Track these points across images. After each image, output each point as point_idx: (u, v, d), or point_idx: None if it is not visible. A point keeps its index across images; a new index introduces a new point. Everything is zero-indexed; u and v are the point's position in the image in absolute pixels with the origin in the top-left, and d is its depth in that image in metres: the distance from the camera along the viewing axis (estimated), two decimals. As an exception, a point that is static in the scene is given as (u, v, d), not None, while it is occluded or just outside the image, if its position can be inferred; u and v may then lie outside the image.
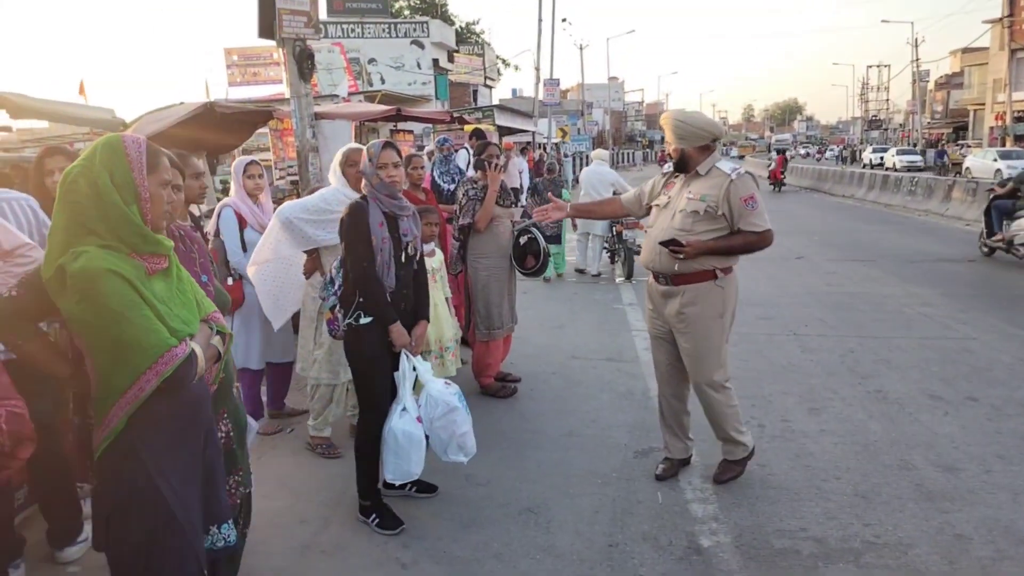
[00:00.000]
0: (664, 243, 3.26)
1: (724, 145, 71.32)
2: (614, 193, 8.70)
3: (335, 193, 3.76)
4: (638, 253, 9.03)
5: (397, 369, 3.12)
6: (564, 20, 47.33)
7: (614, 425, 4.28)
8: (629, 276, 8.90)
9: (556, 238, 9.13)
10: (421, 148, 12.32)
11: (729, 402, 3.47)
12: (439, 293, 4.29)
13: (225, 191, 7.44)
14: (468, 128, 11.58)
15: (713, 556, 2.89)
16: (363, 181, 3.17)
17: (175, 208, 2.18)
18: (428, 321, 3.38)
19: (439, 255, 4.47)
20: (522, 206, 9.46)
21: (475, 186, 4.74)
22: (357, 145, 3.90)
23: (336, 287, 3.18)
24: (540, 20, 27.35)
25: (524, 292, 8.25)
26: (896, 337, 6.06)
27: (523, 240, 4.87)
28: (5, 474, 2.03)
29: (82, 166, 1.81)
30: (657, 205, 3.52)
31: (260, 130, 9.21)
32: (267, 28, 8.13)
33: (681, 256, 3.23)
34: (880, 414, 4.35)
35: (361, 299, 3.05)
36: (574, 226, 9.43)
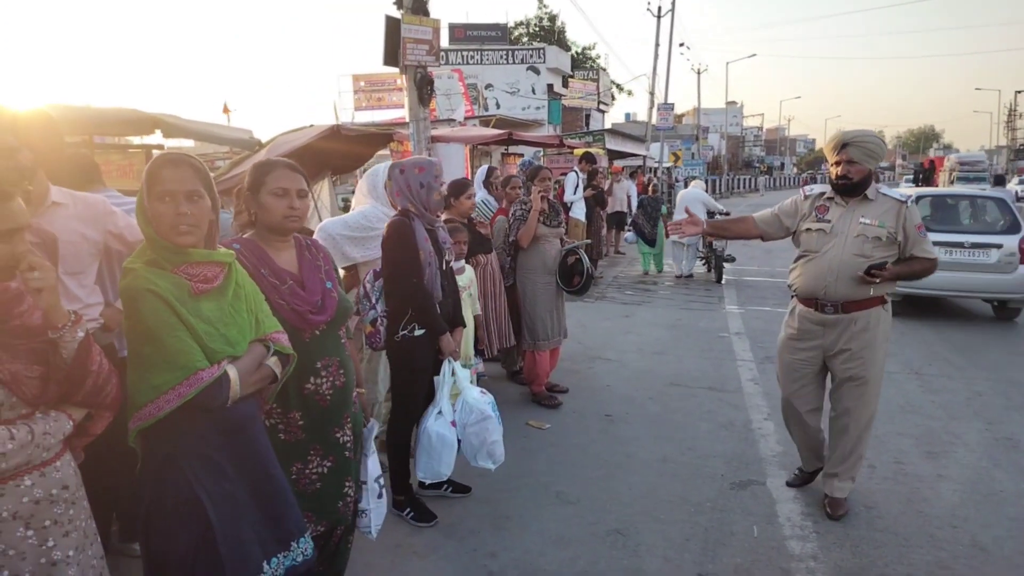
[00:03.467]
0: (872, 268, 3.19)
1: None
2: (707, 213, 10.24)
3: (375, 211, 3.87)
4: (727, 260, 10.75)
5: (437, 374, 3.28)
6: (682, 44, 46.69)
7: (711, 455, 4.19)
8: (719, 279, 10.68)
9: (652, 242, 11.49)
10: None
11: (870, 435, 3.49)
12: (468, 310, 4.19)
13: (346, 208, 7.89)
14: (578, 152, 11.70)
15: (808, 596, 2.78)
16: (401, 197, 3.26)
17: (301, 216, 2.34)
18: (465, 327, 3.56)
19: (468, 272, 4.48)
20: (631, 220, 12.26)
21: (523, 207, 5.01)
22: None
23: (374, 301, 3.28)
24: (657, 45, 27.25)
25: (626, 316, 8.24)
26: (1034, 382, 5.56)
27: (570, 260, 5.08)
28: (98, 425, 1.89)
29: None
30: (811, 230, 3.40)
31: (381, 151, 9.74)
32: (392, 56, 8.63)
33: (877, 281, 3.20)
34: (1008, 463, 4.01)
35: (413, 312, 3.20)
36: (667, 234, 10.69)
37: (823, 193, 3.45)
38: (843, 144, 3.26)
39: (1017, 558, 3.02)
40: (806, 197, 3.51)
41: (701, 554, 3.10)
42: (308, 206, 2.38)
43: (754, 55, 56.05)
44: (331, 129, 7.95)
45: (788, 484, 3.74)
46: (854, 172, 3.24)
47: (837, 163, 3.29)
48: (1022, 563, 2.98)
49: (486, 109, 28.16)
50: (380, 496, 2.64)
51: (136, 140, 7.59)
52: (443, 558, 3.09)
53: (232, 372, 1.87)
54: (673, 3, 26.50)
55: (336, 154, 8.62)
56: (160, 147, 6.21)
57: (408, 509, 3.37)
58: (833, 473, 3.47)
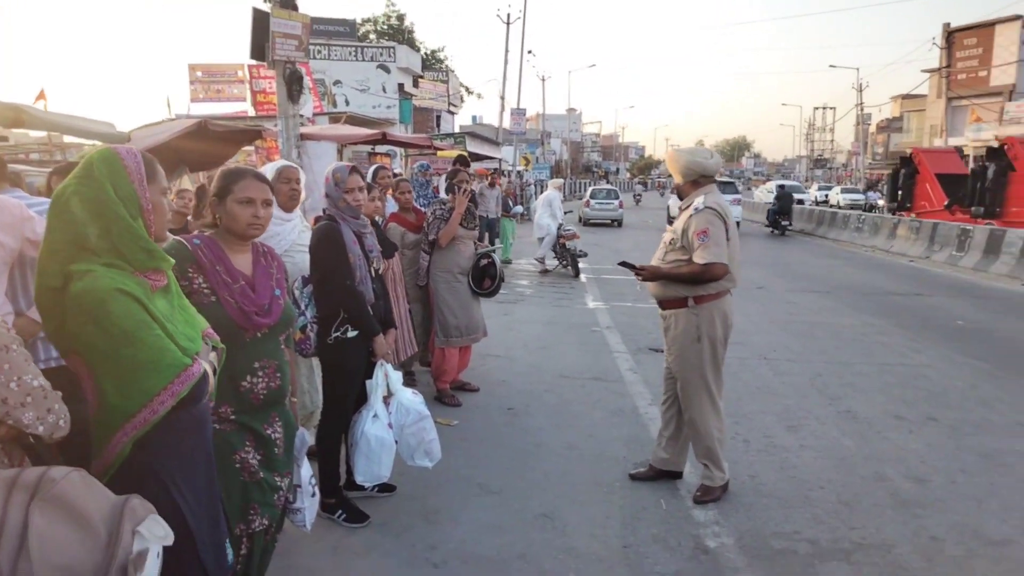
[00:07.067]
0: (621, 263, 3.67)
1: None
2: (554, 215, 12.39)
3: None
4: (580, 255, 12.27)
5: (370, 378, 3.32)
6: (530, 52, 48.25)
7: (610, 439, 4.54)
8: (576, 275, 11.97)
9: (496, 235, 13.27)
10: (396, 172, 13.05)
11: (711, 430, 3.65)
12: None
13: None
14: (448, 154, 11.86)
15: (720, 556, 3.16)
16: (328, 201, 3.34)
17: (263, 224, 2.35)
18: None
19: None
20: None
21: (443, 207, 5.15)
22: (290, 163, 3.93)
23: (303, 307, 3.23)
24: (507, 51, 28.04)
25: (505, 315, 8.53)
26: (858, 363, 6.50)
27: (483, 263, 5.31)
28: None
29: (77, 182, 1.76)
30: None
31: (246, 147, 9.35)
32: (259, 50, 8.29)
33: (640, 278, 3.65)
34: (852, 432, 4.72)
35: (346, 314, 3.25)
36: (522, 217, 13.00)
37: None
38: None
39: (874, 509, 3.61)
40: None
41: (622, 528, 3.40)
42: (271, 215, 2.44)
43: (594, 65, 59.06)
44: (197, 125, 7.54)
45: (631, 476, 3.89)
46: (671, 185, 3.75)
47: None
48: (878, 513, 3.57)
49: (335, 106, 27.44)
50: (313, 495, 2.68)
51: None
52: (384, 555, 3.15)
53: (207, 366, 1.89)
54: (524, 11, 27.38)
55: (196, 150, 8.17)
56: (5, 138, 5.58)
57: (340, 511, 3.38)
58: (702, 463, 3.77)
